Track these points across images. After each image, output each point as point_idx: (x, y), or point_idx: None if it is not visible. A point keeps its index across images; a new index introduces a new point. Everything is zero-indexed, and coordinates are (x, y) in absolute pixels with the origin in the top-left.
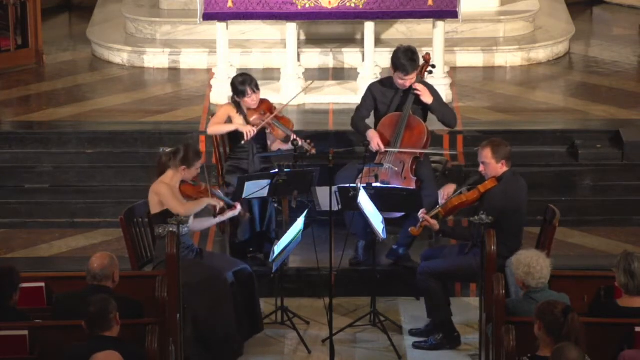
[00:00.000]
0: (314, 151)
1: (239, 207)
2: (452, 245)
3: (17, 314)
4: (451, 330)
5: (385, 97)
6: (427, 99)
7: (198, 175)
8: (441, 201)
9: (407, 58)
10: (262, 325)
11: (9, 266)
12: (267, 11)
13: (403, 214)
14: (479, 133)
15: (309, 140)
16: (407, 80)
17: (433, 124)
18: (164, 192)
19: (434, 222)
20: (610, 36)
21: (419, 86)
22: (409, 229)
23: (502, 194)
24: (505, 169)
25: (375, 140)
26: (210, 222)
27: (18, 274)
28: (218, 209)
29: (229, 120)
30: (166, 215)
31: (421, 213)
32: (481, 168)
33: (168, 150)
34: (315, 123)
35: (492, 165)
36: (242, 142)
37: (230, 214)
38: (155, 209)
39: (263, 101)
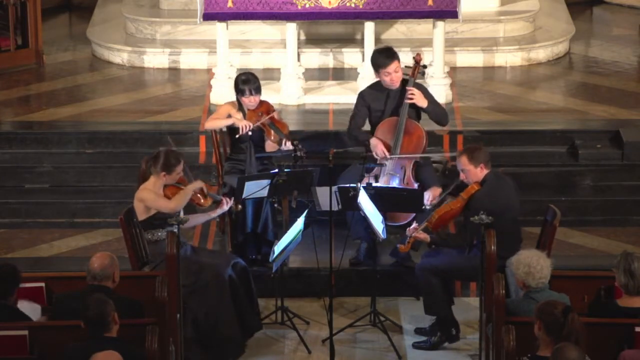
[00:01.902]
0: (303, 154)
1: (226, 201)
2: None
3: (17, 313)
4: (448, 327)
5: (377, 102)
6: (422, 102)
7: (182, 178)
8: (426, 202)
9: (380, 52)
10: (261, 323)
11: (11, 265)
12: (267, 11)
13: (408, 221)
14: (479, 133)
15: (300, 145)
16: (393, 74)
17: (432, 123)
18: (148, 196)
19: (424, 235)
20: (610, 36)
21: (413, 90)
22: (397, 246)
23: (486, 196)
24: (485, 171)
25: (379, 147)
26: (203, 218)
27: (20, 273)
28: (206, 190)
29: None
30: (154, 220)
31: (410, 229)
32: (462, 176)
33: (166, 148)
34: (315, 123)
35: (472, 171)
36: (237, 136)
37: (219, 211)
38: (142, 215)
39: (263, 103)
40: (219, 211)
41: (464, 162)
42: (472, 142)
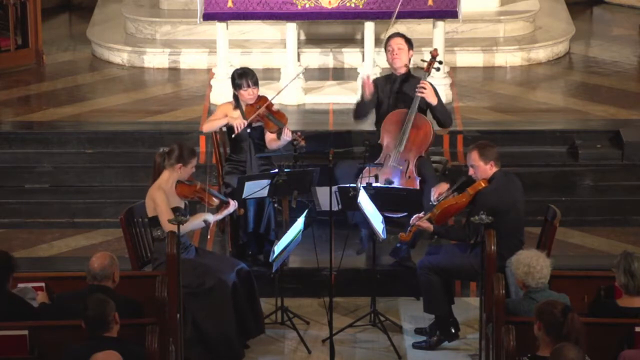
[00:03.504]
0: (303, 142)
1: (232, 203)
2: (453, 244)
3: (13, 298)
4: (447, 327)
5: (384, 89)
6: (432, 99)
7: (193, 175)
8: (433, 198)
9: (391, 33)
10: (264, 327)
11: (3, 252)
12: (267, 11)
13: (404, 214)
14: (479, 133)
15: (299, 133)
16: (395, 50)
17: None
18: (159, 202)
19: (427, 224)
20: (610, 36)
21: (425, 84)
22: (399, 235)
23: (493, 193)
24: (495, 169)
25: (367, 86)
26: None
27: (14, 260)
28: (212, 222)
29: None
30: None
31: (414, 218)
32: (471, 172)
33: (162, 150)
34: (315, 123)
35: (481, 167)
36: (233, 135)
37: (225, 212)
38: (152, 212)
39: (261, 98)
40: (225, 212)
41: (474, 158)
42: (483, 140)
